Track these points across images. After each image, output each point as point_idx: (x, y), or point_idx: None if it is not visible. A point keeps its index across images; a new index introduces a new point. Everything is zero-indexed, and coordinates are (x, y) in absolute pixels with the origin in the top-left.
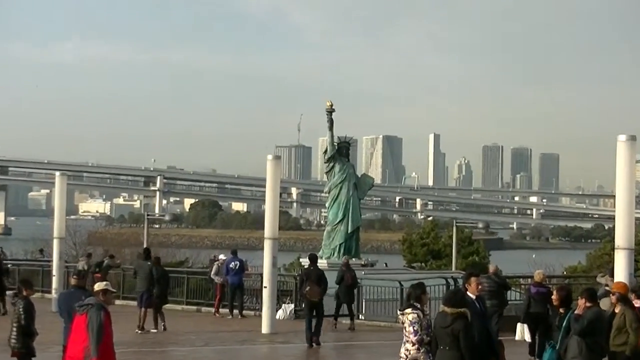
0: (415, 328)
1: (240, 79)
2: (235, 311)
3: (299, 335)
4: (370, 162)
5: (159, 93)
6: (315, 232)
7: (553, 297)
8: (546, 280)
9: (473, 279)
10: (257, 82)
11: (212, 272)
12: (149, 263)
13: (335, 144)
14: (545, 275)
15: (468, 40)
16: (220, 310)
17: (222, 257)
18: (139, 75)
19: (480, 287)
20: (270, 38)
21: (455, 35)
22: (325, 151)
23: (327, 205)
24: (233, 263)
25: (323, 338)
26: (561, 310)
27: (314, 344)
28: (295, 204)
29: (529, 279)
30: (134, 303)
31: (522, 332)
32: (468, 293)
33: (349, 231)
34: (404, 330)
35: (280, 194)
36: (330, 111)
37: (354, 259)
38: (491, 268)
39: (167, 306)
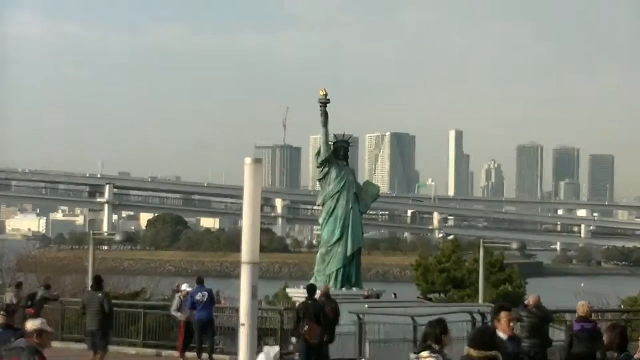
0: None
1: (219, 65)
2: (205, 355)
3: None
4: (375, 167)
5: (113, 80)
6: (306, 254)
7: (605, 337)
8: (592, 315)
9: (504, 314)
10: (238, 68)
11: (174, 308)
12: (100, 295)
13: (331, 143)
14: (591, 307)
15: (494, 13)
16: (187, 353)
17: (185, 287)
18: (90, 58)
19: (512, 324)
20: (263, 21)
21: (478, 8)
22: (319, 153)
23: (320, 221)
24: (200, 294)
25: None
26: (615, 354)
27: None
28: (280, 220)
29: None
30: (78, 346)
31: None
32: (498, 332)
33: (348, 254)
34: None
35: (262, 207)
36: (325, 102)
37: (354, 289)
38: (532, 299)
39: (118, 349)
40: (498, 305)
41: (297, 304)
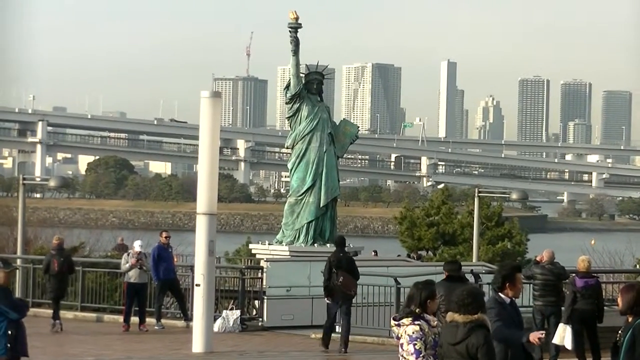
0: (417, 347)
1: None
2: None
3: (247, 357)
4: (354, 104)
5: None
6: (272, 205)
7: (618, 299)
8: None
9: (519, 276)
10: None
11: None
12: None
13: (302, 75)
14: (591, 262)
15: None
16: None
17: (138, 245)
18: None
19: (518, 286)
20: None
21: None
22: (287, 86)
23: (289, 166)
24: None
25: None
26: (629, 319)
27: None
28: (242, 164)
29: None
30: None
31: (563, 335)
32: (502, 295)
33: (321, 204)
34: (400, 349)
35: (221, 149)
36: (296, 27)
37: (328, 245)
38: (546, 254)
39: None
40: (512, 265)
41: (261, 261)
